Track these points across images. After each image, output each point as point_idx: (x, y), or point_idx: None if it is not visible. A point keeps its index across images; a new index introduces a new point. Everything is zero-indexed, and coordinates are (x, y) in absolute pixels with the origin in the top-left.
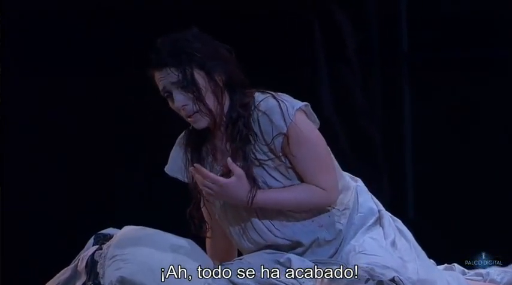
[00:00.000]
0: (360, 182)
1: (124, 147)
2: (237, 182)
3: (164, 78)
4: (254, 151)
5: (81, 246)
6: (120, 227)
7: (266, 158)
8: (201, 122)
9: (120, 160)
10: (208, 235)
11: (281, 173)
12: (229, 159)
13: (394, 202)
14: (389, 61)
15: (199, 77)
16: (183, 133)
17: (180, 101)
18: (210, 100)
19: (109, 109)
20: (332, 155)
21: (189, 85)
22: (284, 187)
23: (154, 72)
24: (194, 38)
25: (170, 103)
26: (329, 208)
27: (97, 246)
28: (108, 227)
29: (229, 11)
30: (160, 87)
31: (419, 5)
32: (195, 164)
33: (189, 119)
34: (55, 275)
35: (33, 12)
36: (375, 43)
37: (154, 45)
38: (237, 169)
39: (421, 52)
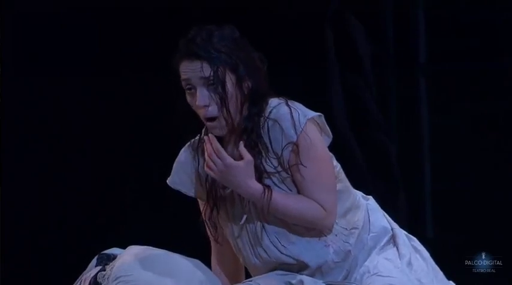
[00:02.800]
0: (370, 201)
1: (125, 147)
2: (244, 168)
3: (193, 70)
4: (264, 163)
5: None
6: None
7: (274, 171)
8: (219, 127)
9: (121, 160)
10: (220, 240)
11: (287, 187)
12: (241, 143)
13: (411, 219)
14: (406, 72)
15: (229, 80)
16: (188, 144)
17: (203, 100)
18: (233, 107)
19: (109, 109)
20: (341, 175)
21: (218, 86)
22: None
23: (182, 60)
24: (234, 39)
25: (188, 98)
26: (335, 226)
27: (100, 267)
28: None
29: (240, 24)
30: (184, 77)
31: (437, 14)
32: (209, 135)
33: (207, 122)
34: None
35: (33, 12)
36: (391, 53)
37: (189, 33)
38: (247, 155)
39: (439, 64)
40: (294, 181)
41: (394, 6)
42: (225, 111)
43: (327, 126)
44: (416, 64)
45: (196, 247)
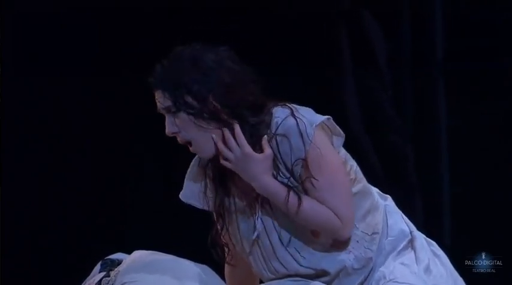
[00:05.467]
0: (389, 201)
1: (125, 147)
2: (262, 161)
3: (157, 100)
4: (276, 174)
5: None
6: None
7: (287, 182)
8: (201, 154)
9: (121, 160)
10: (232, 262)
11: None
12: (264, 138)
13: (428, 225)
14: (422, 71)
15: (191, 104)
16: (197, 156)
17: (169, 128)
18: (203, 128)
19: (109, 109)
20: (359, 175)
21: (179, 112)
22: None
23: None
24: (192, 60)
25: None
26: (356, 232)
27: (104, 273)
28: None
29: (254, 19)
30: (157, 108)
31: (456, 10)
32: (233, 122)
33: (190, 149)
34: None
35: (33, 12)
36: (407, 51)
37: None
38: (267, 149)
39: (458, 62)
40: (307, 193)
41: (411, 5)
42: (194, 134)
43: (337, 126)
44: (434, 64)
45: (196, 248)
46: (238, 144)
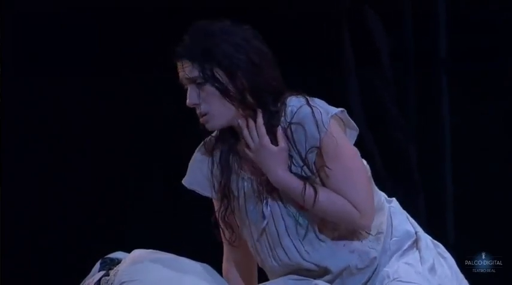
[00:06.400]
0: (394, 203)
1: (125, 147)
2: (275, 154)
3: (181, 70)
4: (290, 164)
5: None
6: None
7: (301, 172)
8: (211, 123)
9: (121, 160)
10: (236, 243)
11: None
12: (278, 128)
13: (430, 224)
14: (425, 69)
15: (220, 77)
16: (202, 143)
17: (192, 98)
18: (226, 104)
19: (109, 109)
20: (368, 174)
21: (205, 84)
22: None
23: (176, 62)
24: (223, 33)
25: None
26: (361, 231)
27: (103, 272)
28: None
29: (255, 11)
30: (179, 78)
31: (457, 10)
32: (257, 109)
33: (200, 119)
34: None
35: (33, 12)
36: (410, 49)
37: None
38: (281, 142)
39: (461, 60)
40: (322, 183)
41: (413, 4)
42: (215, 108)
43: (351, 120)
44: (437, 61)
45: (196, 247)
46: (258, 134)
